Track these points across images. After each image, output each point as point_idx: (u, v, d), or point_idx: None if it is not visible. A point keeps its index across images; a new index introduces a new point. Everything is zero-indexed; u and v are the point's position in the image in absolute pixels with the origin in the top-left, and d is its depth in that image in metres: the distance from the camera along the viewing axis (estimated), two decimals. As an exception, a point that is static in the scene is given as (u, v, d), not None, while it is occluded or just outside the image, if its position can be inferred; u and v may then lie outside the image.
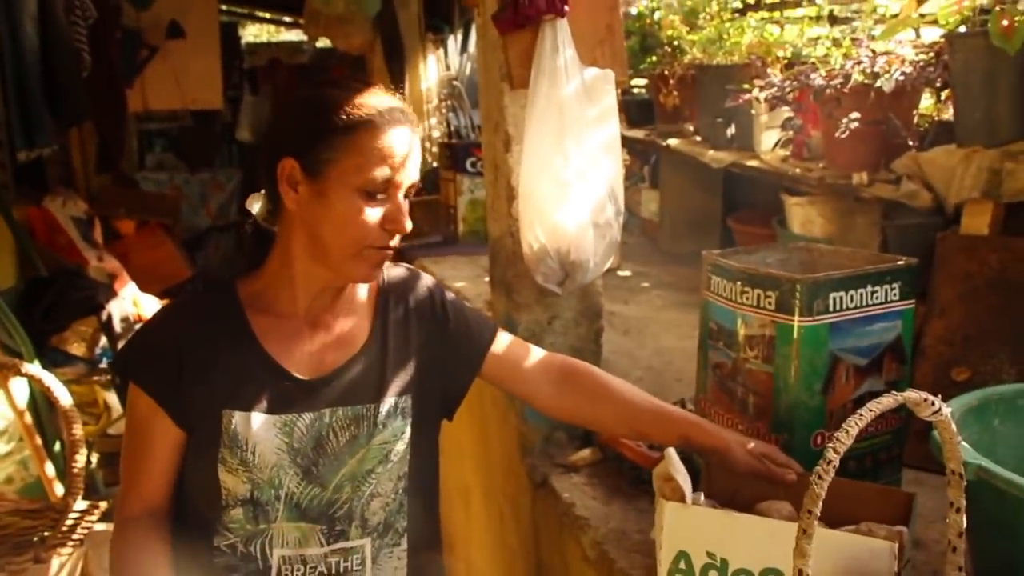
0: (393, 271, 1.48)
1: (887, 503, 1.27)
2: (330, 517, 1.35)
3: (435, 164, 4.49)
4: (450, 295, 1.51)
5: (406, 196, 1.31)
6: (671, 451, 1.26)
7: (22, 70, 3.11)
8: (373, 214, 1.27)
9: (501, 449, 2.21)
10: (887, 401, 0.86)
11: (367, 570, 1.37)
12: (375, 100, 1.30)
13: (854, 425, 0.81)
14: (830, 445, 0.82)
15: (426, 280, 1.51)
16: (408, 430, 1.39)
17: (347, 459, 1.35)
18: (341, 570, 1.36)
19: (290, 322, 1.37)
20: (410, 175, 1.30)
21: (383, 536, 1.38)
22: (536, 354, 1.51)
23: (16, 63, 3.11)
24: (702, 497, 1.27)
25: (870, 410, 0.83)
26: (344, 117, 1.28)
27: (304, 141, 1.29)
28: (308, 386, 1.35)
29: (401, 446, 1.38)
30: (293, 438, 1.32)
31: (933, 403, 0.91)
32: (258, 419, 1.31)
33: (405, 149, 1.29)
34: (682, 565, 1.21)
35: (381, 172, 1.26)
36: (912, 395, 0.88)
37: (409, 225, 1.30)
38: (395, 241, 1.31)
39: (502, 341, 1.49)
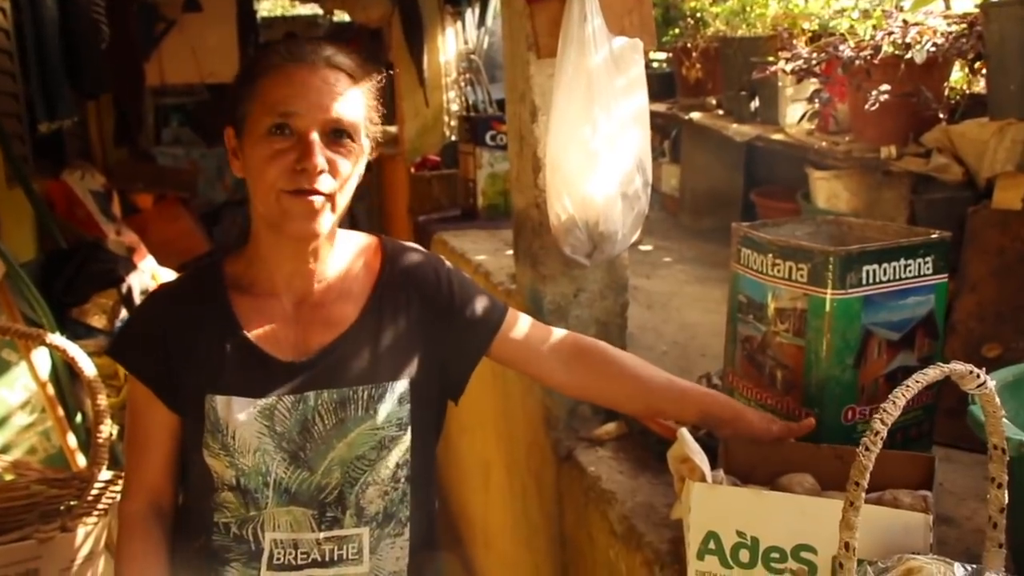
0: (396, 249, 1.44)
1: (908, 468, 1.26)
2: (321, 502, 1.32)
3: (454, 137, 4.47)
4: (457, 274, 1.46)
5: (331, 137, 1.25)
6: (684, 432, 1.25)
7: (42, 42, 3.10)
8: (280, 156, 1.23)
9: (524, 423, 2.20)
10: (933, 373, 0.84)
11: (364, 560, 1.34)
12: (284, 46, 1.28)
13: (901, 396, 0.79)
14: (877, 416, 0.80)
15: (432, 260, 1.46)
16: (407, 416, 1.35)
17: (335, 443, 1.32)
18: (336, 558, 1.33)
19: (273, 301, 1.35)
20: (318, 111, 1.24)
21: (383, 526, 1.36)
22: (546, 334, 1.48)
23: (36, 35, 3.11)
24: (722, 473, 1.27)
25: (916, 381, 0.81)
26: (252, 70, 1.28)
27: (232, 107, 1.29)
28: (289, 368, 1.32)
29: (399, 433, 1.35)
30: (275, 421, 1.30)
31: (978, 376, 0.90)
32: (237, 403, 1.29)
33: (306, 85, 1.24)
34: (712, 545, 1.19)
35: (278, 109, 1.23)
36: (957, 367, 0.86)
37: (318, 161, 1.22)
38: (323, 184, 1.24)
39: (511, 321, 1.45)
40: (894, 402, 0.79)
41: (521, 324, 1.46)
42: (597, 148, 1.66)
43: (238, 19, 6.29)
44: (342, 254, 1.40)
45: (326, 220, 1.27)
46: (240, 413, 1.29)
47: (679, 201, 3.64)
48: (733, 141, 2.98)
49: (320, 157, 1.23)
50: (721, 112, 3.26)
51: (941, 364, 0.87)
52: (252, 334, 1.33)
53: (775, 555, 1.15)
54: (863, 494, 0.77)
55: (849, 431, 1.40)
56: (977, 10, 2.02)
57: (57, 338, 1.87)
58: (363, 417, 1.32)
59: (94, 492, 1.78)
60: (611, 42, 1.71)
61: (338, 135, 1.26)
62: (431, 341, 1.40)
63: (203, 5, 5.93)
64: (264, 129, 1.24)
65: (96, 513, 1.76)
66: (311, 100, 1.24)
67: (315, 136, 1.23)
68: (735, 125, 2.97)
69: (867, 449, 0.78)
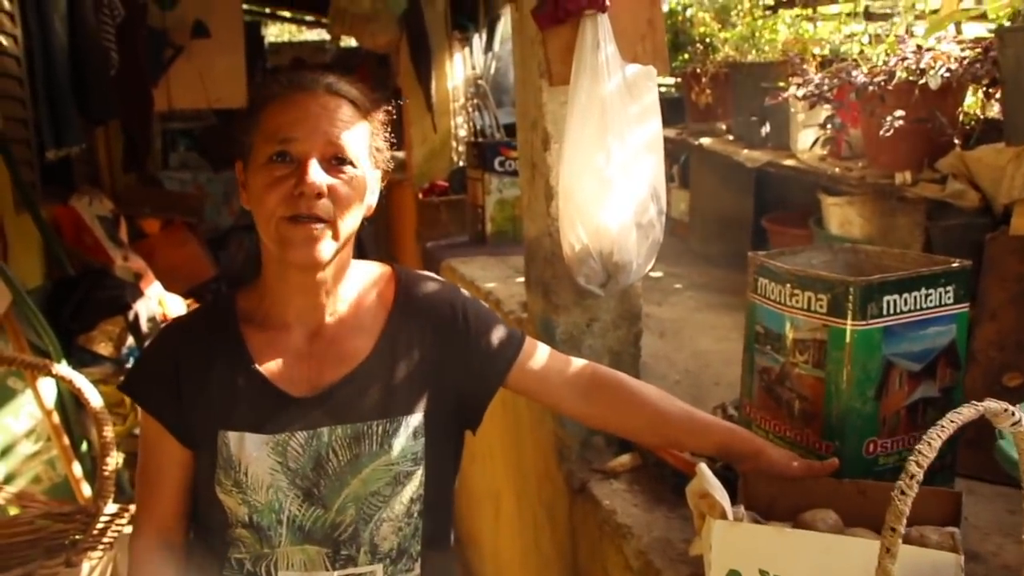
0: (411, 279, 1.42)
1: (934, 504, 1.22)
2: (335, 540, 1.30)
3: (462, 163, 4.46)
4: (474, 303, 1.44)
5: (332, 164, 1.23)
6: (703, 466, 1.22)
7: (51, 69, 3.11)
8: (279, 183, 1.21)
9: (536, 453, 2.17)
10: (968, 412, 0.81)
11: None
12: (285, 75, 1.28)
13: (937, 437, 0.77)
14: (912, 459, 0.78)
15: (448, 290, 1.43)
16: (421, 450, 1.33)
17: (349, 479, 1.29)
18: None
19: (285, 335, 1.33)
20: (317, 137, 1.22)
21: (396, 562, 1.33)
22: (564, 363, 1.45)
23: (46, 62, 3.11)
24: (743, 509, 1.24)
25: (952, 421, 0.78)
26: (255, 101, 1.28)
27: (240, 139, 1.29)
28: (302, 404, 1.30)
29: (413, 467, 1.32)
30: (288, 458, 1.28)
31: (1014, 414, 0.87)
32: (250, 439, 1.27)
33: (305, 112, 1.23)
34: (734, 584, 1.16)
35: (278, 136, 1.22)
36: (992, 406, 0.83)
37: (313, 182, 1.20)
38: (323, 210, 1.22)
39: (528, 351, 1.43)
40: (929, 443, 0.76)
41: (539, 354, 1.44)
42: (611, 176, 1.64)
43: (246, 45, 6.33)
44: (354, 285, 1.38)
45: (327, 247, 1.24)
46: (253, 450, 1.27)
47: (688, 226, 3.62)
48: (743, 167, 2.96)
49: (317, 179, 1.21)
50: (731, 137, 3.25)
51: (976, 403, 0.84)
52: (264, 369, 1.31)
53: (799, 595, 1.12)
54: (899, 541, 0.74)
55: (870, 464, 1.38)
56: (991, 35, 2.01)
57: (64, 368, 1.86)
58: (377, 452, 1.30)
59: (99, 526, 1.76)
60: (624, 69, 1.69)
61: (340, 161, 1.24)
62: (446, 373, 1.37)
63: (212, 31, 5.96)
64: (265, 157, 1.23)
65: (101, 547, 1.74)
66: (309, 126, 1.23)
67: (313, 161, 1.22)
68: (746, 151, 2.96)
69: (903, 493, 0.75)
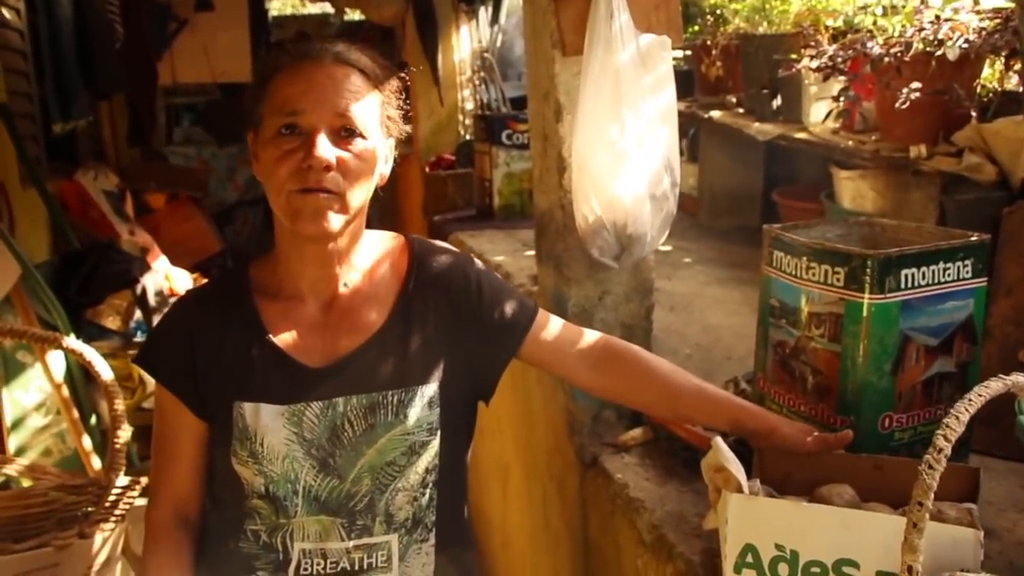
0: (425, 249, 1.41)
1: (951, 479, 1.21)
2: (351, 510, 1.30)
3: (469, 136, 4.44)
4: (488, 274, 1.43)
5: (341, 135, 1.22)
6: (719, 440, 1.21)
7: (57, 43, 3.09)
8: (288, 156, 1.20)
9: (546, 428, 2.17)
10: (995, 386, 0.80)
11: (393, 567, 1.32)
12: (294, 45, 1.26)
13: (964, 411, 0.76)
14: (940, 433, 0.77)
15: (461, 261, 1.42)
16: (436, 420, 1.33)
17: (365, 449, 1.29)
18: (365, 566, 1.31)
19: (300, 306, 1.33)
20: (325, 108, 1.21)
21: (411, 532, 1.34)
22: (577, 335, 1.45)
23: (51, 36, 3.09)
24: (758, 484, 1.23)
25: (979, 395, 0.77)
26: (263, 72, 1.26)
27: (250, 111, 1.27)
28: (317, 374, 1.29)
29: (429, 437, 1.32)
30: (303, 428, 1.28)
31: (1041, 388, 0.86)
32: (265, 410, 1.27)
33: (313, 83, 1.22)
34: (749, 559, 1.15)
35: (286, 108, 1.21)
36: (1021, 380, 0.82)
37: (321, 156, 1.19)
38: (332, 183, 1.21)
39: (541, 322, 1.42)
40: (957, 417, 0.75)
41: (552, 325, 1.44)
42: (625, 148, 1.62)
43: (250, 18, 6.28)
44: (368, 255, 1.37)
45: (336, 219, 1.23)
46: (268, 420, 1.27)
47: (697, 200, 3.60)
48: (753, 140, 2.93)
49: (324, 153, 1.20)
50: (742, 110, 3.22)
51: (1004, 377, 0.83)
52: (279, 340, 1.31)
53: (816, 569, 1.11)
54: (927, 515, 0.73)
55: (886, 439, 1.37)
56: (1011, 4, 1.98)
57: (73, 341, 1.85)
58: (393, 422, 1.30)
59: (111, 498, 1.77)
60: (638, 39, 1.67)
61: (349, 133, 1.23)
62: (460, 343, 1.37)
63: (215, 4, 5.91)
64: (274, 130, 1.22)
65: (113, 519, 1.74)
66: (317, 97, 1.21)
67: (322, 133, 1.21)
68: (757, 124, 2.93)
69: (931, 467, 0.74)
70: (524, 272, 2.60)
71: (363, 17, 6.65)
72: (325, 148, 1.20)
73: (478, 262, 1.45)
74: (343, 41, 1.29)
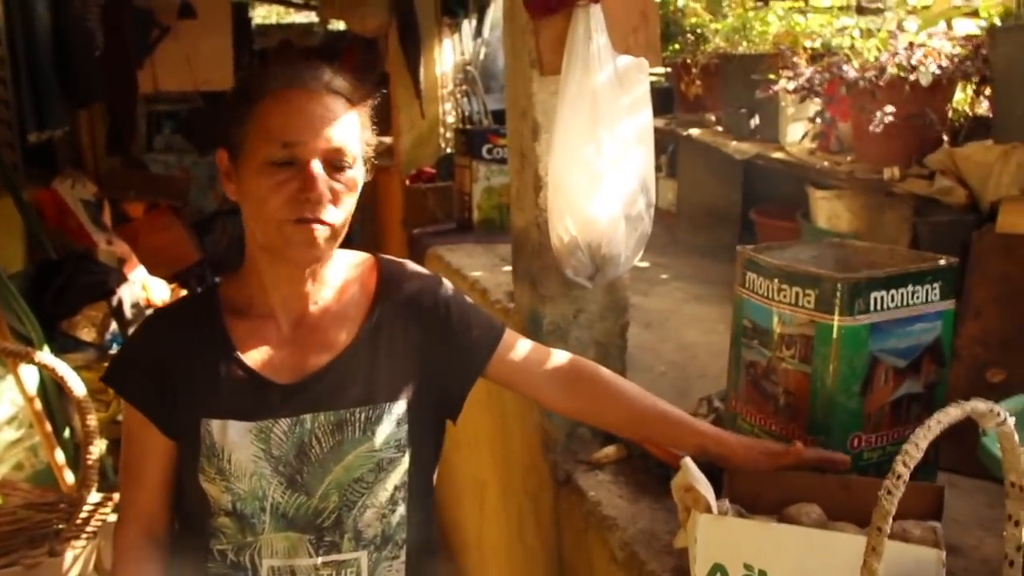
0: (394, 269, 1.42)
1: (916, 498, 1.23)
2: (318, 527, 1.30)
3: (449, 150, 4.44)
4: (456, 296, 1.44)
5: (333, 166, 1.23)
6: (688, 460, 1.23)
7: (34, 50, 3.07)
8: (282, 186, 1.21)
9: (521, 444, 2.17)
10: (954, 412, 0.82)
11: None
12: (280, 69, 1.26)
13: (923, 438, 0.77)
14: (900, 459, 0.78)
15: (429, 281, 1.44)
16: (404, 437, 1.33)
17: (332, 466, 1.29)
18: None
19: (269, 324, 1.33)
20: (320, 140, 1.22)
21: (381, 549, 1.34)
22: (544, 355, 1.46)
23: (28, 43, 3.07)
24: (727, 503, 1.24)
25: (938, 422, 0.79)
26: (248, 93, 1.25)
27: (226, 129, 1.26)
28: (285, 390, 1.30)
29: (397, 454, 1.33)
30: (271, 445, 1.28)
31: (999, 414, 0.87)
32: (233, 427, 1.27)
33: (307, 114, 1.22)
34: (718, 578, 1.17)
35: (280, 139, 1.21)
36: (979, 406, 0.84)
37: (322, 191, 1.20)
38: (326, 214, 1.22)
39: (508, 343, 1.43)
40: (916, 444, 0.77)
41: (519, 346, 1.45)
42: (601, 168, 1.64)
43: (233, 26, 6.26)
44: (337, 274, 1.38)
45: (325, 246, 1.26)
46: (236, 437, 1.27)
47: (675, 216, 3.62)
48: (732, 158, 2.96)
49: (323, 187, 1.22)
50: (720, 129, 3.25)
51: (962, 402, 0.84)
52: (247, 357, 1.31)
53: (783, 590, 1.13)
54: (885, 539, 0.75)
55: (855, 459, 1.38)
56: (982, 32, 2.01)
57: (47, 356, 1.84)
58: (360, 439, 1.30)
59: (83, 515, 1.75)
60: (616, 60, 1.68)
61: (340, 164, 1.24)
62: (428, 362, 1.38)
63: (198, 12, 5.89)
64: (265, 158, 1.22)
65: (85, 536, 1.73)
66: (314, 129, 1.22)
67: (318, 165, 1.22)
68: (735, 142, 2.96)
69: (889, 493, 0.75)
70: (501, 288, 2.60)
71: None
72: (324, 181, 1.21)
73: (447, 283, 1.46)
74: (328, 65, 1.29)
